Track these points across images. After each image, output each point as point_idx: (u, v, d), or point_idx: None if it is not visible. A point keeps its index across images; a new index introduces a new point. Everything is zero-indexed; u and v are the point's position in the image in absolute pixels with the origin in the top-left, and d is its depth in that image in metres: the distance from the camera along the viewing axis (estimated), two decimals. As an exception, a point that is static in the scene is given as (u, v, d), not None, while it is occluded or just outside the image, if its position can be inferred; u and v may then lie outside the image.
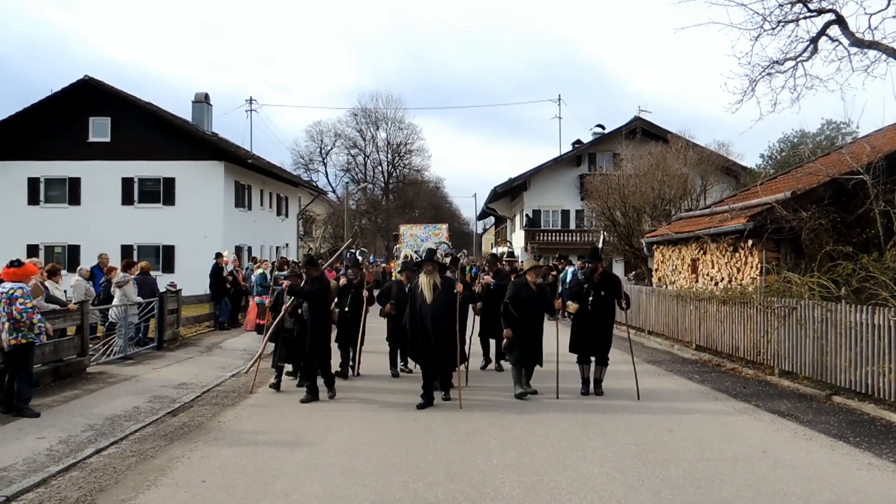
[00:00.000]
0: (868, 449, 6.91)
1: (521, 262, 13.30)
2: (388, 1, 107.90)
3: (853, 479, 5.98)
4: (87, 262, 18.62)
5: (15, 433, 7.40)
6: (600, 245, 11.36)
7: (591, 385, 9.64)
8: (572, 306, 9.61)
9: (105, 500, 5.44)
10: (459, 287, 9.16)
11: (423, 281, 9.10)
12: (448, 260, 11.79)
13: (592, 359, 9.65)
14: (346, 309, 10.69)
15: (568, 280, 19.45)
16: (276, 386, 10.03)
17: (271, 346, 10.45)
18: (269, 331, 10.04)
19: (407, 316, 9.74)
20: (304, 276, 9.46)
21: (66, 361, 10.72)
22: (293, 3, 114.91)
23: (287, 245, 37.43)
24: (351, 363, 11.09)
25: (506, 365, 11.03)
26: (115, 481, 5.91)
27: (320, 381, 9.41)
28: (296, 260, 21.41)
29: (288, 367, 10.51)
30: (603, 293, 9.57)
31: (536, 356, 9.44)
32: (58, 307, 11.05)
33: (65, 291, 12.90)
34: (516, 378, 9.48)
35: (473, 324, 11.19)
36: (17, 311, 8.05)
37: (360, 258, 12.33)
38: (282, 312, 9.67)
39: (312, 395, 9.21)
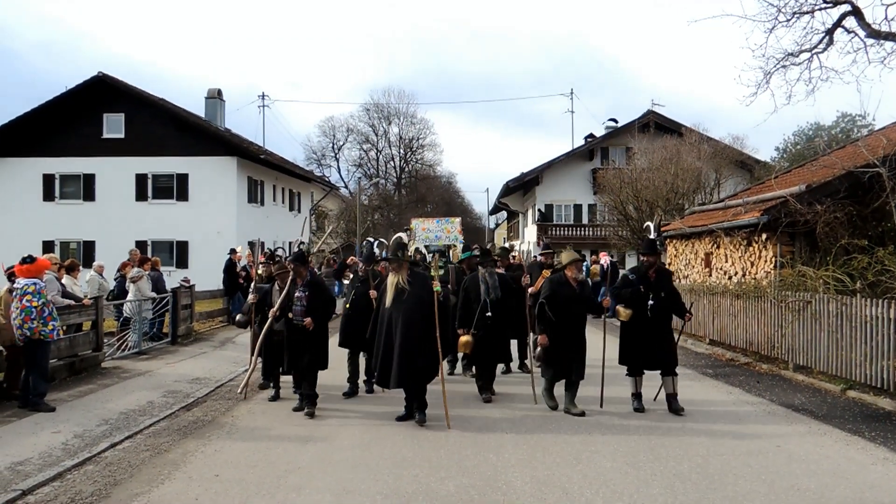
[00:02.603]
0: (883, 444, 6.86)
1: (557, 256, 11.73)
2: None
3: (868, 475, 5.93)
4: (102, 257, 18.75)
5: (31, 427, 7.48)
6: (653, 234, 9.24)
7: (642, 400, 8.31)
8: (624, 312, 8.10)
9: (119, 494, 5.49)
10: (436, 285, 7.56)
11: (388, 281, 7.70)
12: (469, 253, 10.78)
13: (645, 371, 8.32)
14: (348, 305, 9.27)
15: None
16: (276, 397, 9.01)
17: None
18: (260, 339, 8.77)
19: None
20: (292, 273, 8.30)
21: (81, 356, 10.82)
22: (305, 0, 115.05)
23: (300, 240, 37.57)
24: (364, 377, 9.34)
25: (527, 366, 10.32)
26: (129, 475, 5.96)
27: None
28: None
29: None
30: (663, 294, 8.19)
31: (580, 369, 8.03)
32: (73, 303, 11.16)
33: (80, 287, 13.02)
34: (547, 391, 8.25)
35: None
36: (23, 307, 8.09)
37: (376, 251, 10.21)
38: (270, 316, 8.41)
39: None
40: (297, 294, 8.10)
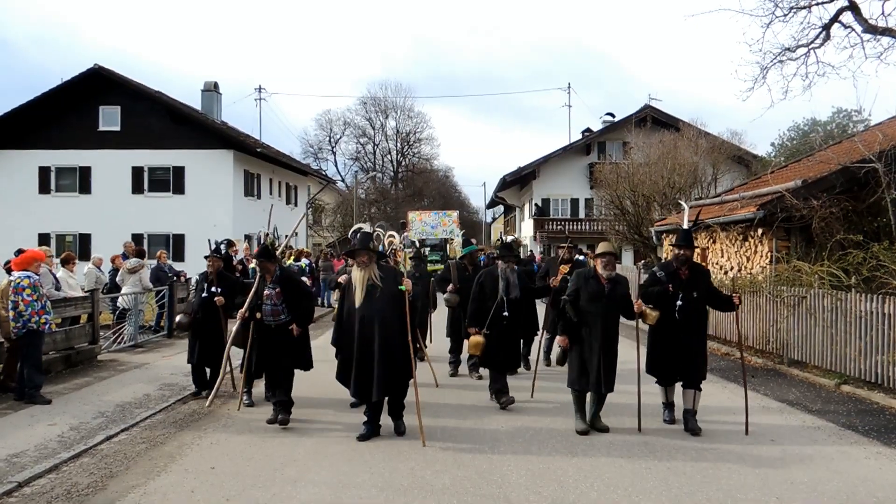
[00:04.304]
0: (877, 438, 6.90)
1: (577, 251, 10.49)
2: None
3: (861, 469, 5.97)
4: (98, 250, 18.74)
5: (27, 420, 7.49)
6: (685, 224, 7.76)
7: (675, 412, 7.40)
8: (651, 314, 7.02)
9: (116, 486, 5.50)
10: (408, 284, 6.88)
11: (355, 276, 6.79)
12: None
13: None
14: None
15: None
16: (250, 403, 8.28)
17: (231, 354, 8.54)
18: (233, 334, 8.04)
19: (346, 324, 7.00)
20: (260, 270, 7.62)
21: (77, 349, 10.82)
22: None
23: (297, 234, 37.49)
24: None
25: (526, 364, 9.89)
26: (125, 467, 5.97)
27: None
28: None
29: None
30: (695, 294, 7.04)
31: (607, 380, 6.89)
32: (68, 295, 11.15)
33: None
34: (577, 407, 7.07)
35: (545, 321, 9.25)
36: (25, 302, 8.16)
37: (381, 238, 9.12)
38: (238, 318, 7.72)
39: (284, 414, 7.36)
40: (266, 292, 7.41)
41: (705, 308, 7.23)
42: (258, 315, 7.44)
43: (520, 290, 8.15)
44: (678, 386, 7.28)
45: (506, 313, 7.99)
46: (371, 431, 6.81)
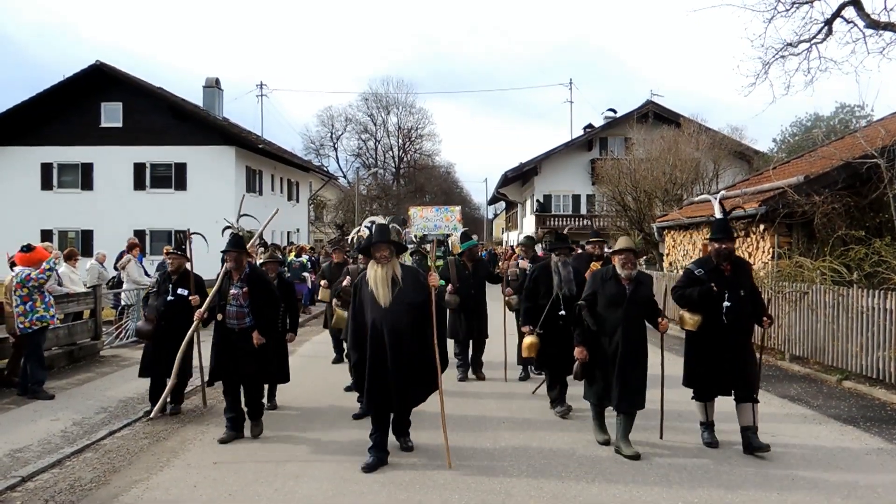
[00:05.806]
0: (878, 434, 6.91)
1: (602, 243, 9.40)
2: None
3: (862, 464, 5.97)
4: (101, 246, 18.79)
5: (30, 415, 7.52)
6: (718, 213, 6.65)
7: (714, 431, 6.55)
8: (691, 320, 6.22)
9: (119, 481, 5.52)
10: (434, 279, 5.94)
11: (375, 275, 5.80)
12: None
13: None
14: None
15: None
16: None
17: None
18: (187, 336, 7.15)
19: (356, 325, 5.96)
20: (231, 263, 6.68)
21: (79, 345, 10.86)
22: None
23: (298, 230, 37.50)
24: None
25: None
26: (128, 462, 6.00)
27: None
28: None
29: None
30: (742, 293, 6.18)
31: (632, 395, 6.12)
32: (71, 291, 11.19)
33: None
34: (597, 420, 6.59)
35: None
36: (26, 300, 8.24)
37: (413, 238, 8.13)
38: (196, 318, 6.87)
39: (234, 431, 6.61)
40: (232, 291, 6.59)
41: (752, 308, 6.28)
42: (219, 316, 6.60)
43: (576, 286, 7.31)
44: (728, 400, 6.35)
45: (562, 312, 7.34)
46: (378, 460, 5.83)
